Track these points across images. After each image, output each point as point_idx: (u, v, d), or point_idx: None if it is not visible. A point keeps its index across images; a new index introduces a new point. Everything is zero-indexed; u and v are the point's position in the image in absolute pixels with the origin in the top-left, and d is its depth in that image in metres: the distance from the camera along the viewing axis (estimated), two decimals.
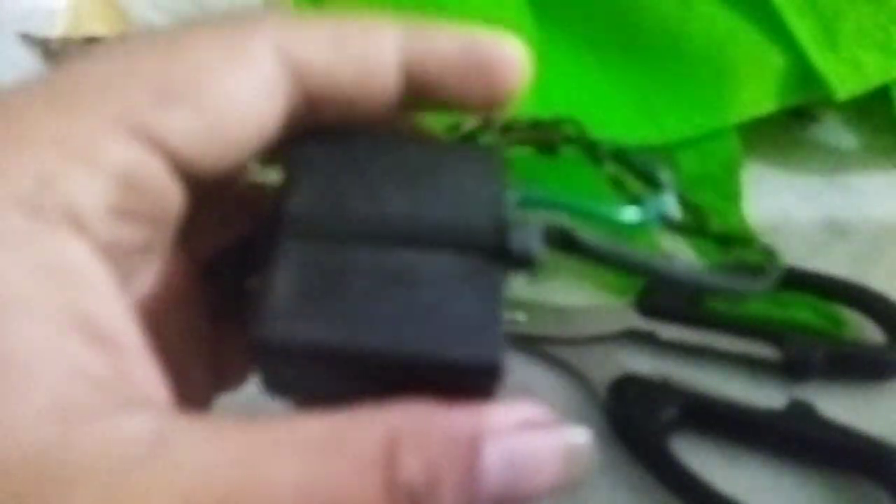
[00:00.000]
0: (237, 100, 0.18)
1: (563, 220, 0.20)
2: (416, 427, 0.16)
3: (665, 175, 0.27)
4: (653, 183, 0.27)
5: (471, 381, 0.18)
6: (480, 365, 0.17)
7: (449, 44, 0.20)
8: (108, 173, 0.17)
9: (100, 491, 0.14)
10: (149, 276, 0.20)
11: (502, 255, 0.19)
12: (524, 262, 0.19)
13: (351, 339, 0.17)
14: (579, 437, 0.18)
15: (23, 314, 0.15)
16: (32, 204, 0.16)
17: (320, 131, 0.20)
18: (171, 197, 0.18)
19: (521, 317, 0.36)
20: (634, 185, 0.28)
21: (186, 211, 0.19)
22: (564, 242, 0.20)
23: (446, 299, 0.18)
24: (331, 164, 0.20)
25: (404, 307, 0.18)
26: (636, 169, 0.28)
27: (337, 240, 0.19)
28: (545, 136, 0.31)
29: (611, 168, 0.29)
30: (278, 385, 0.19)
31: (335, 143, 0.20)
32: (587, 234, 0.20)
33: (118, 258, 0.18)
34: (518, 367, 0.35)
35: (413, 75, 0.20)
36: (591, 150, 0.29)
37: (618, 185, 0.28)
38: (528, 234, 0.19)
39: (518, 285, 0.20)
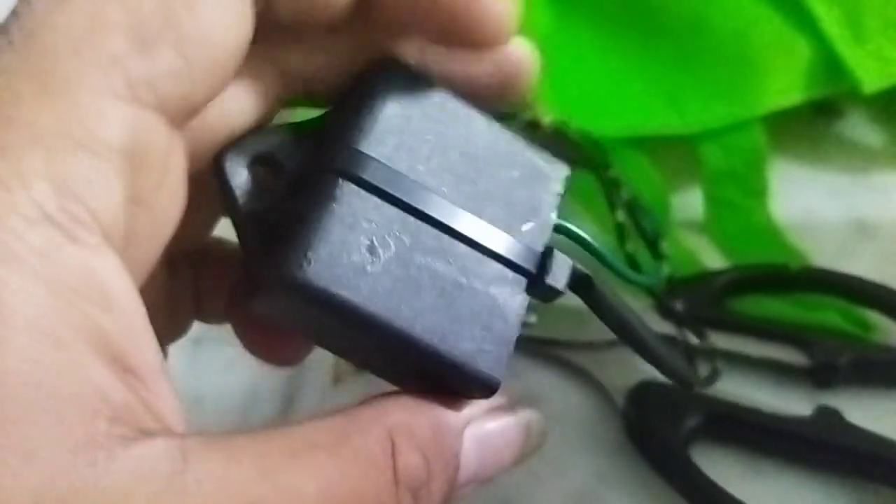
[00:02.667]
0: (210, 15, 0.17)
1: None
2: (410, 423, 0.18)
3: (666, 248, 0.29)
4: (655, 251, 0.30)
5: (469, 388, 0.19)
6: (485, 382, 0.19)
7: None
8: (117, 156, 0.16)
9: None
10: None
11: (534, 280, 0.20)
12: (548, 295, 0.20)
13: (384, 313, 0.18)
14: (534, 414, 0.22)
15: (43, 338, 0.14)
16: (50, 214, 0.15)
17: (395, 69, 0.20)
18: (173, 156, 0.18)
19: (532, 318, 0.35)
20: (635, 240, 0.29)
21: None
22: (583, 288, 0.21)
23: (478, 306, 0.19)
24: (402, 114, 0.19)
25: (438, 299, 0.18)
26: (644, 230, 0.29)
27: (391, 202, 0.18)
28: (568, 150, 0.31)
29: (621, 216, 0.29)
30: (264, 317, 0.19)
31: (410, 90, 0.20)
32: (606, 288, 0.21)
33: (129, 246, 0.17)
34: (530, 373, 0.34)
35: None
36: (609, 188, 0.29)
37: (620, 234, 0.29)
38: (560, 268, 0.20)
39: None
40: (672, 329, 0.33)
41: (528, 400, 0.30)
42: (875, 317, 0.34)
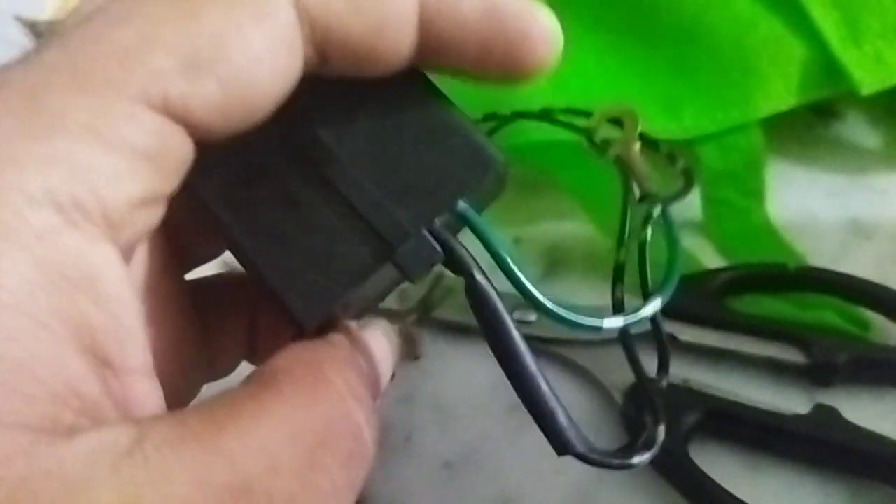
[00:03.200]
0: (261, 60, 0.17)
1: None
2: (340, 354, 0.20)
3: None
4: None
5: (290, 318, 0.20)
6: (294, 317, 0.20)
7: (472, 6, 0.19)
8: (138, 157, 0.16)
9: None
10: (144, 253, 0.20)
11: (388, 254, 0.20)
12: (405, 273, 0.20)
13: (240, 241, 0.20)
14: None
15: (26, 319, 0.15)
16: (56, 198, 0.15)
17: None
18: (187, 165, 0.18)
19: (532, 317, 0.35)
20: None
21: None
22: (463, 277, 0.20)
23: (323, 255, 0.20)
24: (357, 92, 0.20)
25: (293, 238, 0.20)
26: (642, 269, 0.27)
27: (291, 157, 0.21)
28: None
29: (623, 254, 0.28)
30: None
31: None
32: (486, 289, 0.20)
33: (133, 246, 0.17)
34: None
35: (430, 35, 0.19)
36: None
37: (618, 274, 0.27)
38: (420, 251, 0.20)
39: (530, 282, 0.20)
40: (673, 328, 0.34)
41: None
42: (872, 316, 0.34)
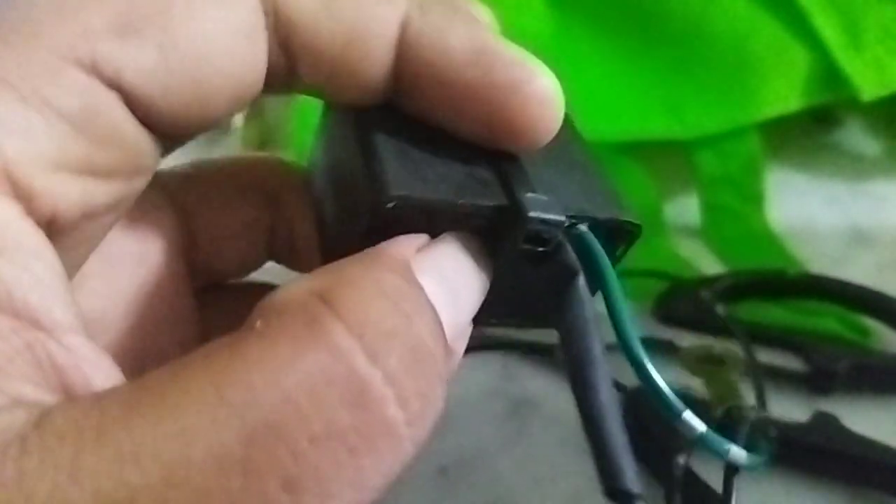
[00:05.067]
0: (210, 40, 0.16)
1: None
2: (336, 280, 0.15)
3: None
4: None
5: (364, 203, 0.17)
6: (378, 194, 0.17)
7: (460, 40, 0.17)
8: (57, 116, 0.15)
9: None
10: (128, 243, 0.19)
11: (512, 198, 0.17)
12: (514, 226, 0.17)
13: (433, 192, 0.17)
14: None
15: None
16: None
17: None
18: (136, 146, 0.16)
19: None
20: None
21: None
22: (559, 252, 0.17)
23: (447, 167, 0.17)
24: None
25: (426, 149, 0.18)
26: None
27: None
28: None
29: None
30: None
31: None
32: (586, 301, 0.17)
33: (76, 219, 0.16)
34: (527, 377, 0.34)
35: (409, 62, 0.17)
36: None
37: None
38: (545, 211, 0.17)
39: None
40: (671, 334, 0.33)
41: (523, 404, 0.30)
42: (872, 323, 0.34)
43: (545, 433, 0.31)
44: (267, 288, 0.22)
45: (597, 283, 0.17)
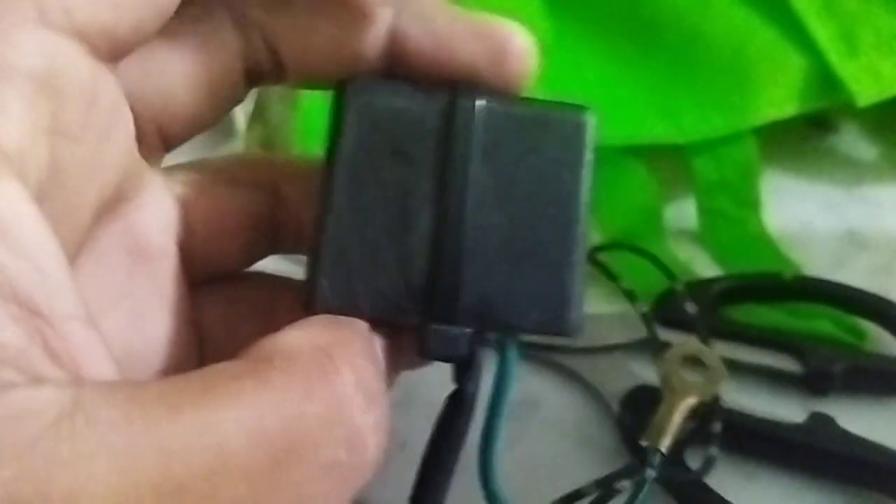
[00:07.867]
0: None
1: None
2: (336, 335, 0.17)
3: None
4: None
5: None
6: (312, 300, 0.19)
7: (450, 22, 0.20)
8: (28, 82, 0.15)
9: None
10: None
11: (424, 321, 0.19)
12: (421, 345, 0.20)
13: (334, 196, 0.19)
14: None
15: None
16: None
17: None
18: (103, 91, 0.17)
19: None
20: None
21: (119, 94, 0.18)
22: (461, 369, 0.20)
23: (386, 266, 0.19)
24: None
25: (374, 227, 0.20)
26: None
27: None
28: None
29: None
30: None
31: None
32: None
33: (61, 183, 0.16)
34: (526, 377, 0.34)
35: (399, 45, 0.20)
36: None
37: None
38: (448, 343, 0.19)
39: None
40: (672, 336, 0.34)
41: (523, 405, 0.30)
42: (867, 326, 0.34)
43: (545, 433, 0.31)
44: (260, 277, 0.23)
45: (494, 394, 0.20)
